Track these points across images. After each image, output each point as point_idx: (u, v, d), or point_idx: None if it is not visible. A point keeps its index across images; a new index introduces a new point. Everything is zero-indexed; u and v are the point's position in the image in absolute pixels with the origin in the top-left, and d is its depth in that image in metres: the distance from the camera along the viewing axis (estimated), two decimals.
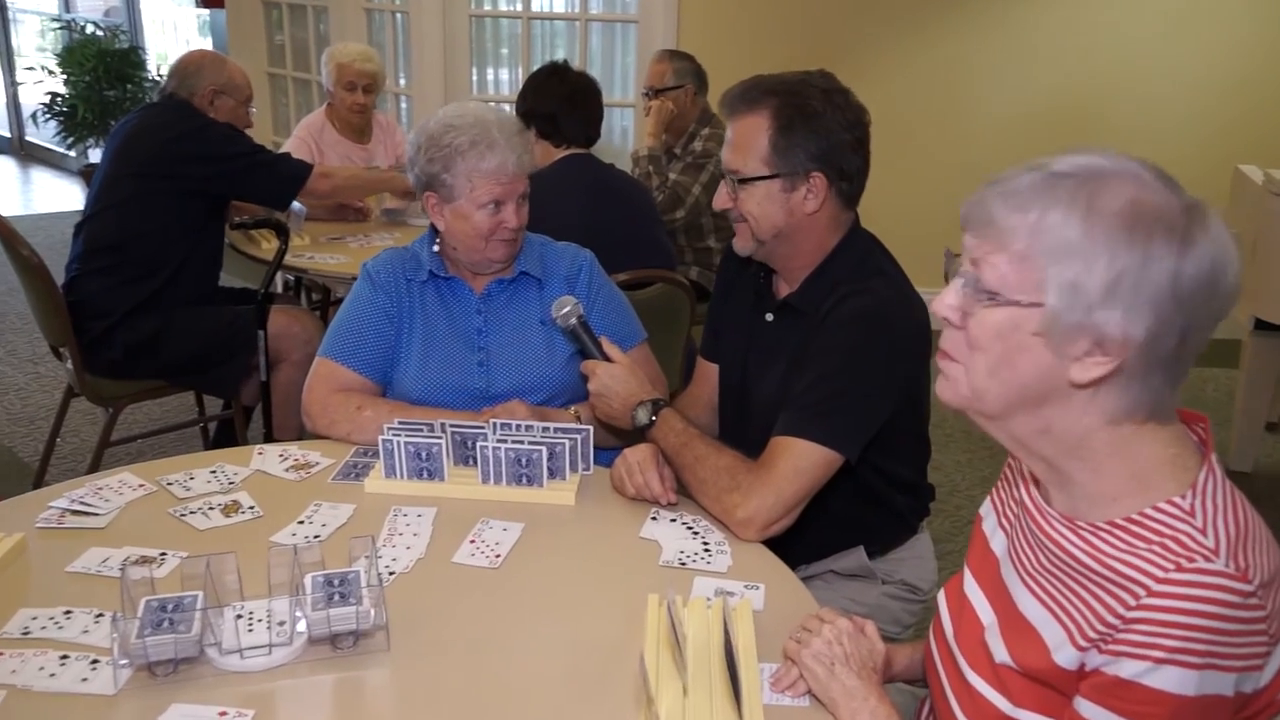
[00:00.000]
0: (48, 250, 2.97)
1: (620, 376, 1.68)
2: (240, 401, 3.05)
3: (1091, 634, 0.93)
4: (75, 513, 1.51)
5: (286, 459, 1.71)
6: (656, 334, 2.06)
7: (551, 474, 1.61)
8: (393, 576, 1.38)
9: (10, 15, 9.01)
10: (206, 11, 7.15)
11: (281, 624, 1.22)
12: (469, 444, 1.64)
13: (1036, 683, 0.99)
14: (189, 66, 3.02)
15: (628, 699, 1.16)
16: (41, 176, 8.35)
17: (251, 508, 1.55)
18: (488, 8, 5.03)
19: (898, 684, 1.32)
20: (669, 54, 3.70)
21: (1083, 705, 0.93)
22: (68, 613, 1.28)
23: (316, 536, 1.48)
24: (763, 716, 1.12)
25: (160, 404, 3.67)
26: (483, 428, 1.65)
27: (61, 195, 7.61)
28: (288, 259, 2.91)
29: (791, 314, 1.66)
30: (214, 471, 1.66)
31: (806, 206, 1.59)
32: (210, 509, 1.54)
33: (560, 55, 4.56)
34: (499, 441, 1.60)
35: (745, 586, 1.38)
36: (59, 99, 7.39)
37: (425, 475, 1.62)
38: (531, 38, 5.04)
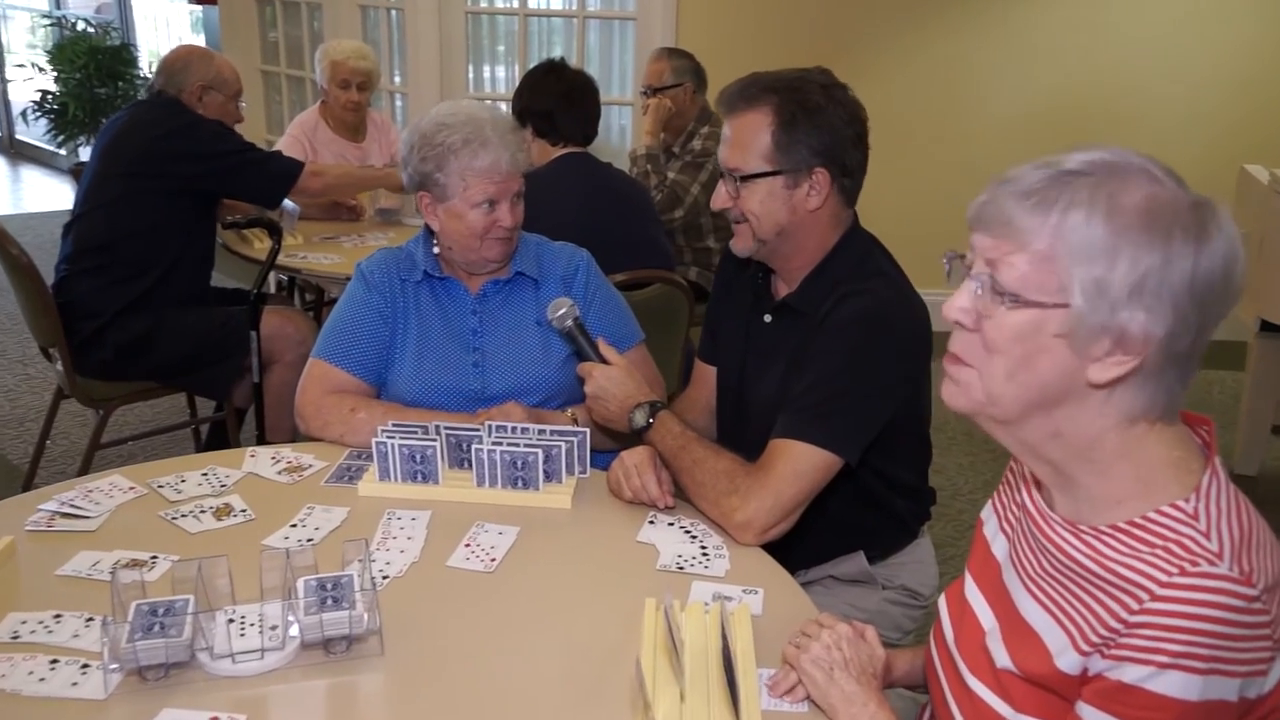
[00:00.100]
0: (37, 250, 2.96)
1: (617, 379, 1.66)
2: (232, 403, 3.03)
3: (1094, 639, 0.92)
4: (65, 515, 1.50)
5: (279, 461, 1.70)
6: (654, 335, 2.05)
7: (548, 477, 1.60)
8: (386, 580, 1.37)
9: (0, 12, 8.97)
10: (199, 8, 7.11)
11: (274, 628, 1.21)
12: (464, 446, 1.63)
13: (1038, 688, 0.98)
14: (176, 63, 3.00)
15: (624, 705, 1.15)
16: (31, 175, 8.32)
17: (244, 511, 1.54)
18: (484, 4, 5.00)
19: (898, 689, 1.31)
20: (667, 52, 3.68)
21: (1085, 711, 0.93)
22: (57, 617, 1.26)
23: (309, 540, 1.47)
24: None
25: (151, 406, 3.65)
26: (478, 430, 1.64)
27: (52, 194, 7.58)
28: (281, 259, 2.90)
29: (790, 315, 1.65)
30: (206, 474, 1.64)
31: (809, 203, 1.58)
32: (202, 512, 1.53)
33: (557, 52, 4.54)
34: (494, 444, 1.59)
35: (744, 591, 1.37)
36: (49, 97, 7.35)
37: (420, 478, 1.61)
38: (528, 35, 5.02)
